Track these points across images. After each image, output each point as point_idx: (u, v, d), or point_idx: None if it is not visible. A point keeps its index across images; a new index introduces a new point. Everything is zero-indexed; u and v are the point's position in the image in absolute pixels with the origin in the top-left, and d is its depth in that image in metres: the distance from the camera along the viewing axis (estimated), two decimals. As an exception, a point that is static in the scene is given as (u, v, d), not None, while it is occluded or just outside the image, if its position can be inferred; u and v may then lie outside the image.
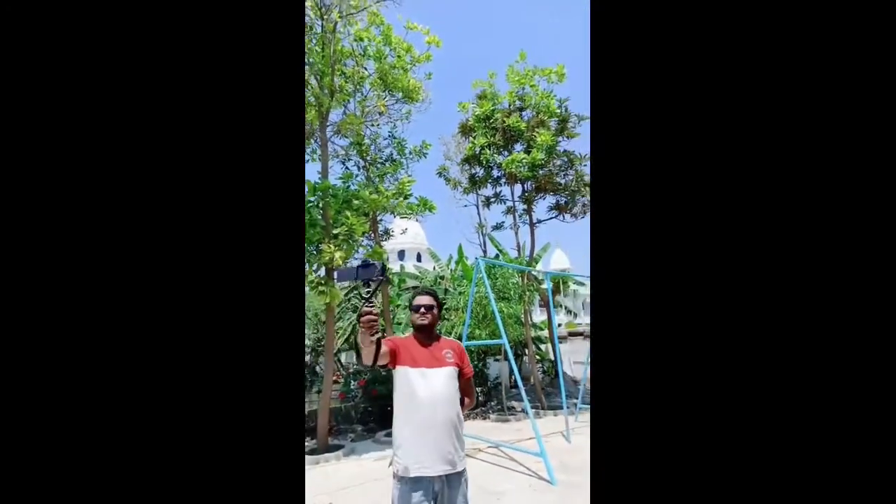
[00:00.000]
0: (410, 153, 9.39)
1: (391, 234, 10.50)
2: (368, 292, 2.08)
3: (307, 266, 7.37)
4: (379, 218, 10.01)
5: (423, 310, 2.53)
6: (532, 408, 10.19)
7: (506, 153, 10.99)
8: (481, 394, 11.12)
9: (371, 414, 9.63)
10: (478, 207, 12.14)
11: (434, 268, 16.51)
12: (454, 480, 2.31)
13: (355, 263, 2.74)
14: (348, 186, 8.20)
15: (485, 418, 9.95)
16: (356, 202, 7.54)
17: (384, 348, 2.29)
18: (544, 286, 11.00)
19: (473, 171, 11.64)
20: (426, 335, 2.54)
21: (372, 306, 2.06)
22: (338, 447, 7.57)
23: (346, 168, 9.57)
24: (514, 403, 10.81)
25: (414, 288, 13.15)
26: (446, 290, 13.01)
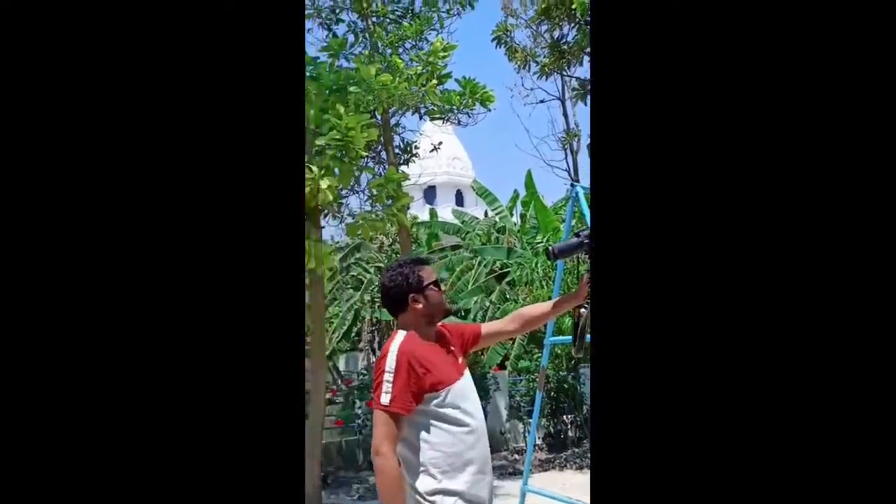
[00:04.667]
0: (447, 1, 6.53)
1: (415, 151, 7.23)
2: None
3: None
4: (394, 120, 6.91)
5: (439, 287, 2.09)
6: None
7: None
8: (570, 425, 8.01)
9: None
10: (563, 102, 8.13)
11: (487, 213, 12.30)
12: None
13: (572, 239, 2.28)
14: (339, 65, 5.98)
15: (562, 469, 6.98)
16: (353, 89, 5.26)
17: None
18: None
19: (559, 34, 7.82)
20: (433, 328, 2.03)
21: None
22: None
23: (334, 33, 6.84)
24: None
25: (454, 250, 9.63)
26: (509, 252, 9.48)
